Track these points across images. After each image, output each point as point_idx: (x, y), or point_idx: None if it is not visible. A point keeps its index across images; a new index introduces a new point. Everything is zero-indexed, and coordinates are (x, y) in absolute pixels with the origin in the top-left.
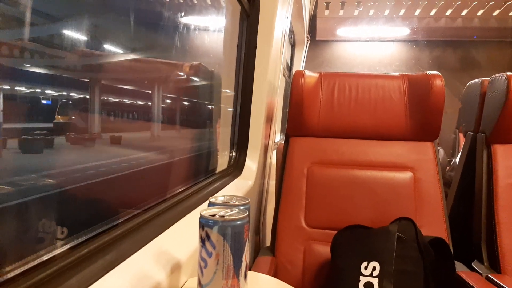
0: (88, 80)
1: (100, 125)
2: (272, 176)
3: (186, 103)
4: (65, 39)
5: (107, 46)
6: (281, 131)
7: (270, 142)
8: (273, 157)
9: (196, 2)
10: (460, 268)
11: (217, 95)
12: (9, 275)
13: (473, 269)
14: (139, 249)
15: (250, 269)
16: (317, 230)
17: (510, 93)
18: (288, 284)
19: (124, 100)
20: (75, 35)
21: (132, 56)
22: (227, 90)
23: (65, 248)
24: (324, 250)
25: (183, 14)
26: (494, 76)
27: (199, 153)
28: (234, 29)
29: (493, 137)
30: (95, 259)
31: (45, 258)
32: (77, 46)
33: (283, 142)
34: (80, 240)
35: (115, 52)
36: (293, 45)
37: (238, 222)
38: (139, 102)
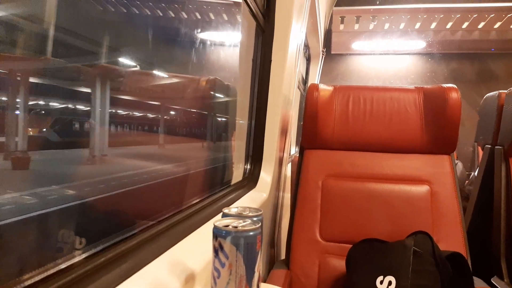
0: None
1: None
2: (287, 188)
3: (202, 116)
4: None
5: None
6: (296, 144)
7: (285, 154)
8: (288, 170)
9: (213, 18)
10: (479, 284)
11: (232, 108)
12: (28, 282)
13: (492, 285)
14: (155, 258)
15: (265, 282)
16: (332, 243)
17: None
18: None
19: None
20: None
21: (145, 71)
22: (242, 104)
23: (83, 257)
24: (339, 264)
25: (200, 30)
26: (511, 88)
27: (215, 166)
28: (249, 44)
29: (511, 150)
30: (111, 268)
31: (63, 266)
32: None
33: (298, 155)
34: (97, 249)
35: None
36: (308, 59)
37: (251, 233)
38: (149, 115)
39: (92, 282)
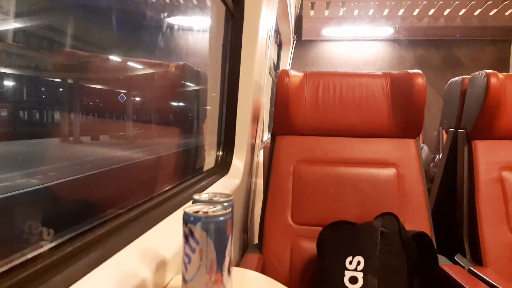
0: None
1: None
2: (259, 174)
3: (173, 103)
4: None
5: (92, 47)
6: (269, 130)
7: (257, 141)
8: (260, 156)
9: (182, 2)
10: (444, 262)
11: (203, 95)
12: None
13: (456, 263)
14: (125, 247)
15: (238, 266)
16: (304, 227)
17: (489, 90)
18: (275, 280)
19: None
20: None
21: (116, 57)
22: (213, 90)
23: (49, 246)
24: (310, 246)
25: (167, 14)
26: (474, 74)
27: (187, 153)
28: (219, 29)
29: (473, 133)
30: (79, 257)
31: (29, 256)
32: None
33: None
34: (65, 238)
35: (99, 52)
36: (279, 45)
37: (221, 218)
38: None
39: (59, 273)
